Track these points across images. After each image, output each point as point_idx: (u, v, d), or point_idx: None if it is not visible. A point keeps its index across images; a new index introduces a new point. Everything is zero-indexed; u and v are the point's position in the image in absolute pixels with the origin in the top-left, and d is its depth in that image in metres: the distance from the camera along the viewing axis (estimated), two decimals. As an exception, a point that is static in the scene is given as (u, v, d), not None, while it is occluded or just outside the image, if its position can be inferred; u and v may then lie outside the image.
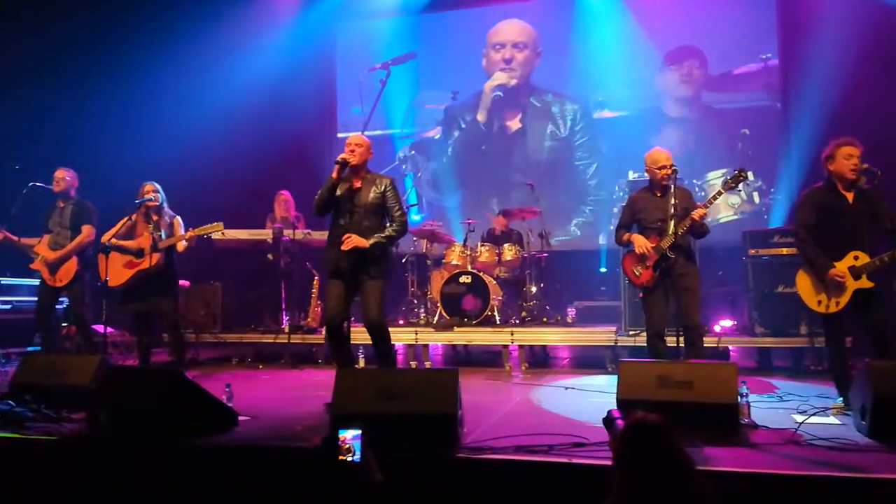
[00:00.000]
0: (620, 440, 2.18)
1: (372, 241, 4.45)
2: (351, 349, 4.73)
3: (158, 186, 5.78)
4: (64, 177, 5.89)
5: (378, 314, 4.49)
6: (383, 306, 4.55)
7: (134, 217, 5.67)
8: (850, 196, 4.21)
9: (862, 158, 4.15)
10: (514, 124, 9.30)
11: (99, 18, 8.42)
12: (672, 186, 4.66)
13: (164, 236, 5.60)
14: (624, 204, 5.07)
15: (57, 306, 6.06)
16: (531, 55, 9.29)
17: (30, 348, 6.47)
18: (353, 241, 4.40)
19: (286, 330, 6.88)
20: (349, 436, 2.61)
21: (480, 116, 9.41)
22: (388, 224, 4.63)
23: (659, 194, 4.75)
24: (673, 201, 4.59)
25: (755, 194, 8.17)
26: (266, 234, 7.30)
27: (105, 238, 5.60)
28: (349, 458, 2.48)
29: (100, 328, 5.67)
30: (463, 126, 9.49)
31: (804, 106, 7.64)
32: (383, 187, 4.61)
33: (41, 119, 8.19)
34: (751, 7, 8.31)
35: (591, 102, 8.97)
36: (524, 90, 9.30)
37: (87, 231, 5.82)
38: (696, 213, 4.50)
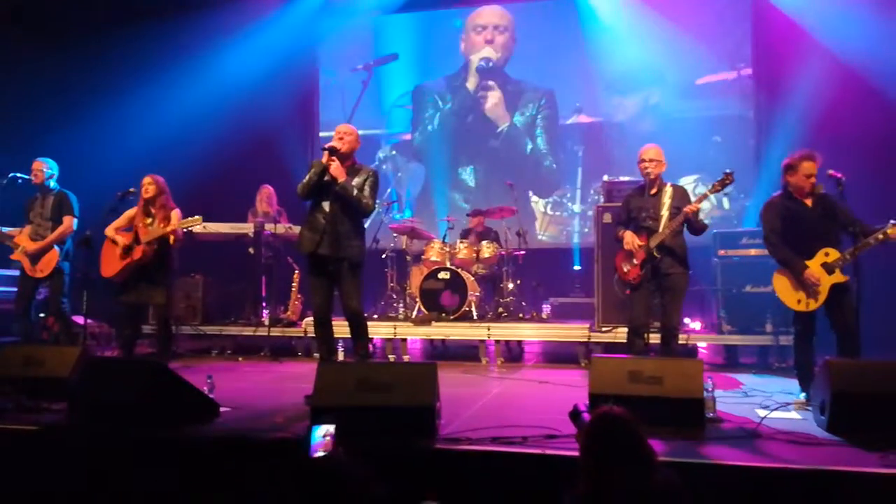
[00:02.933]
0: (587, 433, 2.28)
1: (346, 184, 4.55)
2: (334, 340, 4.84)
3: (159, 179, 5.72)
4: (41, 168, 5.87)
5: (358, 304, 4.65)
6: (361, 297, 4.69)
7: (133, 210, 5.68)
8: (808, 202, 4.43)
9: (821, 170, 4.35)
10: (495, 106, 9.39)
11: (79, 11, 8.36)
12: (667, 185, 4.79)
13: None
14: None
15: (37, 297, 6.03)
16: (509, 41, 9.38)
17: (8, 339, 6.44)
18: (336, 168, 4.52)
19: (266, 323, 6.94)
20: (322, 432, 2.66)
21: (470, 85, 9.47)
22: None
23: (652, 192, 4.82)
24: (665, 200, 4.71)
25: (725, 200, 8.35)
26: (247, 227, 7.33)
27: (107, 231, 5.63)
28: (323, 453, 2.54)
29: (80, 319, 5.68)
30: (444, 103, 9.54)
31: (776, 114, 7.80)
32: (365, 176, 4.72)
33: (21, 110, 8.11)
34: (727, 17, 8.43)
35: (567, 104, 9.08)
36: (499, 74, 9.38)
37: (68, 222, 5.82)
38: (689, 208, 4.57)
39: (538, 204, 9.13)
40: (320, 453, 2.54)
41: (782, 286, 4.44)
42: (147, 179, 5.66)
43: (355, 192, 4.59)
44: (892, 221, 4.14)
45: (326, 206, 4.63)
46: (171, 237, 5.55)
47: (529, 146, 9.18)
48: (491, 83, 9.38)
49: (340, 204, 4.61)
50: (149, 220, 5.59)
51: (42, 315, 6.68)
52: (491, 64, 9.38)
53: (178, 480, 3.25)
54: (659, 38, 8.49)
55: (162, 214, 5.60)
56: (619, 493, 2.11)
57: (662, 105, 8.66)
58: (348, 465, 2.51)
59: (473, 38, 9.49)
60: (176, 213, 5.63)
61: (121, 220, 5.70)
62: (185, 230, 5.62)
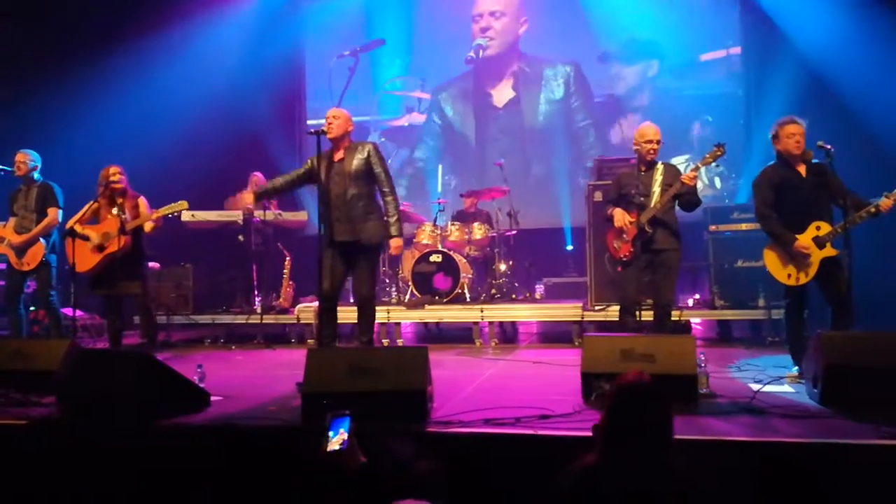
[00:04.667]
0: (614, 395, 2.15)
1: (394, 233, 4.64)
2: (336, 327, 4.79)
3: (121, 169, 5.66)
4: (24, 160, 5.78)
5: (370, 291, 4.64)
6: (375, 285, 4.69)
7: (98, 201, 5.59)
8: (802, 170, 4.38)
9: (806, 134, 4.33)
10: (507, 93, 9.28)
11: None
12: (658, 163, 4.75)
13: (129, 219, 5.53)
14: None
15: (25, 290, 5.98)
16: (513, 23, 9.25)
17: (-1, 333, 6.40)
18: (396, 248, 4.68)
19: (258, 310, 6.90)
20: (339, 425, 2.55)
21: (482, 87, 9.40)
22: (377, 189, 4.70)
23: (644, 169, 4.78)
24: (658, 177, 4.67)
25: (717, 179, 8.34)
26: (236, 215, 7.27)
27: (70, 224, 5.52)
28: (337, 448, 2.49)
29: (69, 311, 5.64)
30: (447, 108, 9.48)
31: (765, 92, 7.77)
32: (367, 153, 4.65)
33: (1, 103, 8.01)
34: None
35: (583, 66, 8.96)
36: (509, 58, 9.27)
37: (53, 214, 5.75)
38: (685, 177, 4.52)
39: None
40: (335, 447, 2.47)
41: (772, 261, 4.42)
42: (115, 169, 5.56)
43: (395, 220, 4.66)
44: (885, 193, 4.12)
45: (329, 194, 4.57)
46: (149, 225, 5.49)
47: (548, 123, 9.06)
48: (501, 76, 9.27)
49: (344, 189, 4.55)
50: (116, 211, 5.50)
51: (32, 309, 6.64)
52: (482, 53, 9.26)
53: (167, 470, 3.23)
54: (652, 14, 8.43)
55: (130, 203, 5.54)
56: (626, 468, 2.02)
57: (656, 81, 8.60)
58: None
59: (473, 27, 9.38)
60: (142, 200, 5.58)
61: (84, 213, 5.56)
62: (171, 215, 5.55)
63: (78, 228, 5.47)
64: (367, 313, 4.71)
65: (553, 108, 9.07)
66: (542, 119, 9.09)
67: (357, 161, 4.59)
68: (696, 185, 4.63)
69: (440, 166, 9.04)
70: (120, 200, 5.52)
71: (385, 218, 4.70)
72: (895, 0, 6.87)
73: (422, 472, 2.06)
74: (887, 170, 4.28)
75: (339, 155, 4.63)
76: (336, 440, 2.48)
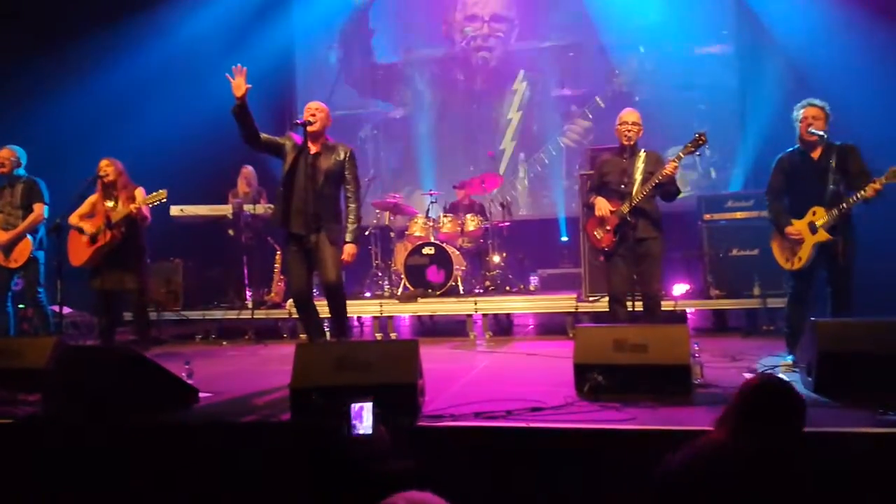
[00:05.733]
0: (752, 385, 2.24)
1: (349, 239, 4.54)
2: (319, 319, 4.76)
3: (115, 161, 5.59)
4: (9, 157, 5.70)
5: (337, 277, 4.52)
6: (341, 271, 4.57)
7: (95, 196, 5.55)
8: (816, 154, 4.33)
9: (824, 118, 4.27)
10: (499, 83, 9.24)
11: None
12: (640, 150, 4.70)
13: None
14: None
15: (13, 288, 5.91)
16: (506, 26, 9.18)
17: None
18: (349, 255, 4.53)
19: (249, 305, 6.85)
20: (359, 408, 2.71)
21: (453, 61, 9.34)
22: (343, 193, 4.66)
23: (625, 157, 4.75)
24: (639, 165, 4.63)
25: (711, 170, 8.30)
26: (226, 209, 7.21)
27: (71, 219, 5.48)
28: (366, 432, 2.57)
29: (56, 308, 5.57)
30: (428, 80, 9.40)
31: (760, 82, 7.75)
32: (343, 156, 4.61)
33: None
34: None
35: (579, 57, 8.92)
36: (486, 45, 9.22)
37: (38, 209, 5.68)
38: (667, 168, 4.49)
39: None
40: (363, 432, 2.60)
41: (775, 245, 4.47)
42: (104, 162, 5.52)
43: (354, 224, 4.59)
44: (877, 176, 4.08)
45: (300, 184, 4.50)
46: (138, 217, 5.42)
47: (520, 114, 9.04)
48: (480, 55, 9.20)
49: (319, 181, 4.49)
50: (111, 203, 5.45)
51: (21, 306, 6.57)
52: (473, 42, 9.18)
53: (155, 467, 3.19)
54: (647, 6, 8.39)
55: (125, 195, 5.47)
56: (751, 448, 2.07)
57: (649, 73, 8.53)
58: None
59: (456, 15, 9.28)
60: (140, 191, 5.49)
61: (84, 207, 5.56)
62: (151, 206, 5.48)
63: (74, 221, 5.45)
64: (336, 302, 4.56)
65: (546, 100, 9.00)
66: (536, 110, 9.01)
67: (334, 162, 4.57)
68: (676, 174, 4.58)
69: (432, 157, 8.99)
70: (115, 194, 5.47)
71: (344, 223, 4.63)
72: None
73: (393, 469, 2.07)
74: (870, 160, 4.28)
75: (314, 149, 4.57)
76: (363, 425, 2.61)
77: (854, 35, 6.90)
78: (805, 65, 7.18)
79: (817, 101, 4.33)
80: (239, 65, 4.35)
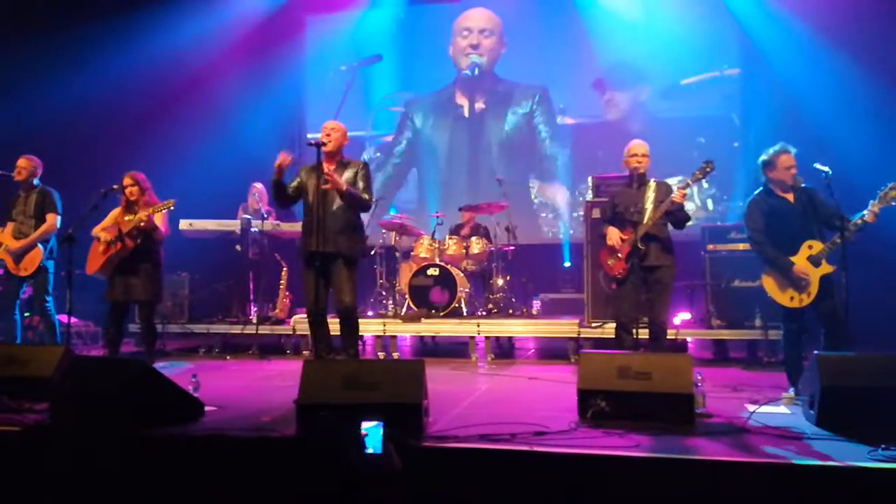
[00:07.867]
0: None
1: (346, 187, 4.55)
2: (330, 336, 4.80)
3: (138, 176, 5.55)
4: (26, 166, 5.78)
5: (351, 300, 4.60)
6: (356, 293, 4.65)
7: (118, 209, 5.56)
8: (790, 196, 4.46)
9: (807, 164, 4.39)
10: (479, 106, 9.39)
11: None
12: (651, 180, 4.80)
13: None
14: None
15: (21, 296, 5.95)
16: (497, 44, 9.34)
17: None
18: (333, 180, 4.49)
19: (254, 321, 6.88)
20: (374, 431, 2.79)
21: (457, 97, 9.46)
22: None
23: (636, 186, 4.84)
24: (650, 194, 4.71)
25: (709, 201, 8.39)
26: (234, 224, 7.27)
27: (95, 231, 5.51)
28: (376, 452, 2.65)
29: (64, 318, 5.60)
30: (431, 117, 9.52)
31: (759, 115, 7.87)
32: (357, 169, 4.71)
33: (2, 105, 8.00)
34: (712, 18, 8.41)
35: (554, 103, 9.08)
36: (488, 77, 9.37)
37: (51, 219, 5.74)
38: (675, 195, 4.58)
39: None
40: (373, 452, 2.68)
41: (771, 286, 4.45)
42: (127, 181, 5.48)
43: (358, 193, 4.61)
44: (872, 200, 4.18)
45: (314, 204, 4.59)
46: (149, 226, 5.41)
47: (524, 141, 9.17)
48: (479, 91, 9.35)
49: (329, 201, 4.57)
50: (129, 217, 5.48)
51: (27, 314, 6.61)
52: (477, 71, 9.34)
53: (161, 480, 3.20)
54: (645, 36, 8.50)
55: (143, 208, 5.51)
56: None
57: (649, 104, 8.64)
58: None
59: (459, 41, 9.44)
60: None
61: (107, 220, 5.57)
62: (164, 216, 5.51)
63: (95, 232, 5.49)
64: (350, 325, 4.65)
65: (542, 129, 9.14)
66: (541, 138, 9.13)
67: (347, 175, 4.65)
68: (684, 202, 4.67)
69: (437, 180, 9.07)
70: (137, 209, 5.46)
71: (361, 236, 4.77)
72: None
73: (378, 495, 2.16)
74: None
75: (330, 168, 4.65)
76: (374, 445, 2.70)
77: (852, 77, 7.07)
78: (801, 99, 7.33)
79: (791, 147, 4.46)
80: (288, 150, 4.64)
